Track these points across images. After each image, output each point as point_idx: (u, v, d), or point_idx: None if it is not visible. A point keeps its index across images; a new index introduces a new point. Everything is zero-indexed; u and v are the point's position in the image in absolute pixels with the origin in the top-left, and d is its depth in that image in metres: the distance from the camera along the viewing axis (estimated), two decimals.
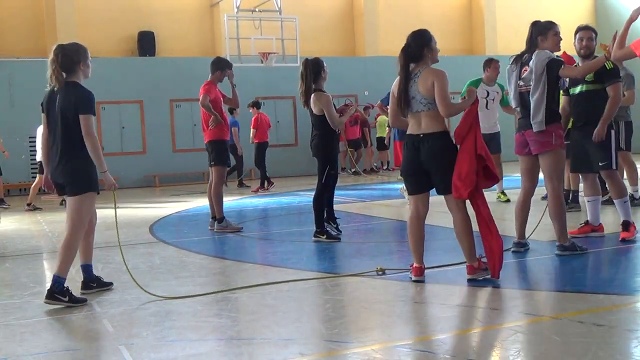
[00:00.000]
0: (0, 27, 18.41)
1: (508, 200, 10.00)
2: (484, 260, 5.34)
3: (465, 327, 4.20)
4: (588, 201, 6.98)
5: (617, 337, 3.92)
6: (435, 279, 5.60)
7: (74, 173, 5.25)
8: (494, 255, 5.22)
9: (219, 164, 8.63)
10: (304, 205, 11.84)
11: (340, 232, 7.86)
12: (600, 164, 6.65)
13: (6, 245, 8.61)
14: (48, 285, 5.94)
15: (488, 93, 10.21)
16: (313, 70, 7.49)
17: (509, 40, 22.40)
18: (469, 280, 5.28)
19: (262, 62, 18.50)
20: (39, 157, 12.69)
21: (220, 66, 8.85)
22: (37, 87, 19.24)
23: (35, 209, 13.12)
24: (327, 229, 7.66)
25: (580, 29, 6.89)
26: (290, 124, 20.51)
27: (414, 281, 5.38)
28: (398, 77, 5.45)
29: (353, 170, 19.14)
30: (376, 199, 12.74)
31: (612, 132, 6.61)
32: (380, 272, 5.75)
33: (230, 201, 13.08)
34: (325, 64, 7.63)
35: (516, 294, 5.08)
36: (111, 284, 5.77)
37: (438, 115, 5.28)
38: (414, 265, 5.46)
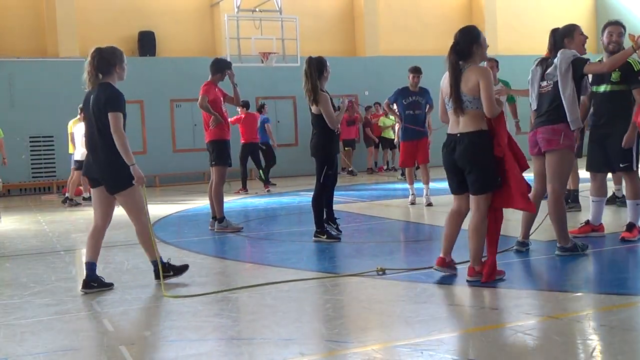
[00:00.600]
0: (1, 27, 18.41)
1: None
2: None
3: (465, 327, 4.20)
4: (593, 201, 6.95)
5: (618, 337, 3.92)
6: (435, 278, 5.60)
7: (111, 172, 5.49)
8: (491, 266, 5.25)
9: (219, 164, 8.63)
10: (304, 205, 11.83)
11: (341, 232, 7.86)
12: (621, 165, 6.63)
13: (6, 245, 8.61)
14: (48, 285, 5.95)
15: None
16: (317, 68, 7.43)
17: (509, 40, 22.43)
18: (468, 281, 5.28)
19: (262, 62, 18.50)
20: (79, 156, 13.21)
21: (220, 67, 8.85)
22: (37, 87, 19.41)
23: (76, 204, 13.46)
24: (327, 229, 7.64)
25: (609, 24, 6.74)
26: (290, 124, 20.51)
27: (434, 269, 5.49)
28: (446, 74, 5.44)
29: (350, 169, 19.11)
30: (376, 199, 12.74)
31: (637, 133, 6.60)
32: (380, 272, 5.74)
33: (231, 201, 13.07)
34: (328, 64, 7.58)
35: (516, 293, 5.08)
36: (112, 285, 5.76)
37: (478, 114, 5.23)
38: (440, 256, 5.53)
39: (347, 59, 21.29)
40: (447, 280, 5.52)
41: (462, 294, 5.12)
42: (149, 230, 5.70)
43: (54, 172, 17.98)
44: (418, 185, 11.19)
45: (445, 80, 5.45)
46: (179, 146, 19.38)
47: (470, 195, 5.35)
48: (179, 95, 19.21)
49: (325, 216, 7.74)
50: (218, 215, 8.66)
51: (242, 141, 14.97)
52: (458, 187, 5.46)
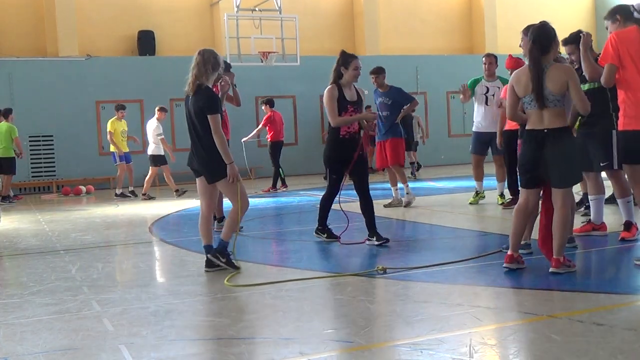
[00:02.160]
0: (1, 26, 18.40)
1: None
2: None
3: (465, 327, 4.20)
4: (591, 200, 6.97)
5: (618, 337, 3.92)
6: (435, 278, 5.60)
7: (208, 165, 6.01)
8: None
9: None
10: (304, 205, 11.84)
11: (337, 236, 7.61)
12: (601, 163, 6.64)
13: (6, 245, 8.61)
14: (48, 284, 5.95)
15: (488, 89, 10.02)
16: (341, 62, 7.18)
17: (509, 38, 22.39)
18: (552, 273, 5.33)
19: (262, 62, 18.50)
20: (150, 150, 14.61)
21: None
22: (37, 87, 19.40)
23: (150, 198, 14.16)
24: (330, 227, 7.58)
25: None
26: (290, 123, 20.49)
27: (505, 267, 5.53)
28: (519, 72, 5.53)
29: None
30: (376, 199, 12.73)
31: (613, 131, 6.56)
32: (381, 271, 5.75)
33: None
34: (357, 62, 7.16)
35: (516, 293, 5.08)
36: (238, 268, 6.13)
37: (562, 111, 5.39)
38: (508, 253, 5.60)
39: None
40: (446, 280, 5.53)
41: (462, 293, 5.12)
42: (238, 216, 6.11)
43: (54, 171, 17.98)
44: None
45: (520, 77, 5.50)
46: (178, 145, 19.34)
47: (556, 189, 5.45)
48: (179, 95, 18.99)
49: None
50: (218, 215, 8.66)
51: (269, 140, 15.00)
52: (531, 182, 5.58)
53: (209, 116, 5.90)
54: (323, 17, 21.62)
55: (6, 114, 14.99)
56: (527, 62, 5.69)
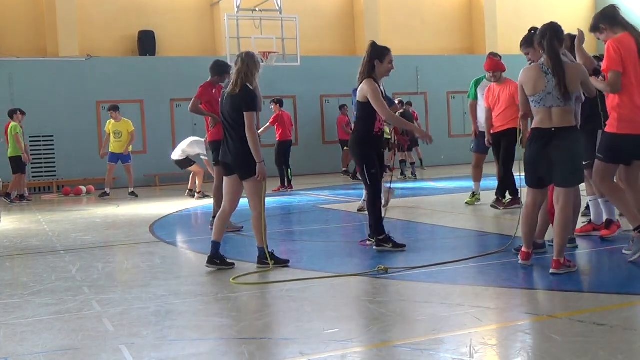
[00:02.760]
0: (1, 26, 18.41)
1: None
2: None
3: (465, 327, 4.20)
4: (590, 200, 6.98)
5: (618, 337, 3.92)
6: (435, 278, 5.60)
7: (242, 161, 6.14)
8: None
9: (218, 164, 8.63)
10: (304, 205, 11.84)
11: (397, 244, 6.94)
12: (583, 162, 6.64)
13: (6, 245, 8.62)
14: (48, 284, 5.96)
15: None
16: (375, 54, 6.90)
17: (509, 39, 22.40)
18: (552, 274, 5.32)
19: (262, 62, 18.46)
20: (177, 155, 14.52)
21: (219, 71, 8.82)
22: (37, 87, 19.40)
23: (205, 196, 13.61)
24: (391, 236, 6.84)
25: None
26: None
27: (521, 264, 5.58)
28: (527, 70, 5.53)
29: (344, 169, 19.10)
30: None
31: (599, 131, 6.52)
32: (382, 271, 5.74)
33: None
34: (391, 55, 6.91)
35: (516, 293, 5.08)
36: (233, 264, 6.33)
37: (570, 111, 5.38)
38: (522, 250, 5.64)
39: (347, 58, 21.27)
40: (447, 280, 5.53)
41: (462, 293, 5.12)
42: (263, 220, 6.21)
43: (54, 171, 17.98)
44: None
45: (529, 76, 5.49)
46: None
47: (559, 189, 5.45)
48: (179, 95, 19.19)
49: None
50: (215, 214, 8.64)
51: (278, 139, 15.01)
52: (539, 181, 5.57)
53: (245, 113, 6.07)
54: (323, 17, 21.62)
55: (11, 113, 15.02)
56: (533, 61, 5.71)
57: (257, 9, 18.88)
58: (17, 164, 14.83)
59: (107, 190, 15.15)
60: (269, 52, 18.39)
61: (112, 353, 3.98)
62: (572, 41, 6.24)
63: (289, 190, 14.51)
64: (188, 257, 7.22)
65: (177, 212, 11.62)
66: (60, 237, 9.03)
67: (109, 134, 15.07)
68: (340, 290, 5.43)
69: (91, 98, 18.25)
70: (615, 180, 6.29)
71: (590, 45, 6.34)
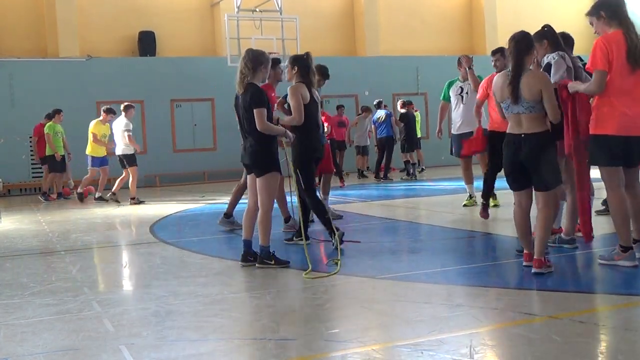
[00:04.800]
0: (1, 27, 18.41)
1: (495, 206, 9.53)
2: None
3: (465, 327, 4.20)
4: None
5: (618, 337, 3.92)
6: (435, 278, 5.60)
7: (256, 158, 6.25)
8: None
9: None
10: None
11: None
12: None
13: (6, 245, 8.62)
14: (48, 285, 5.96)
15: (462, 89, 10.00)
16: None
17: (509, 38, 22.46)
18: (535, 274, 5.33)
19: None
20: (120, 151, 13.49)
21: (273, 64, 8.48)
22: (37, 87, 19.39)
23: (139, 202, 13.44)
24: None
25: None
26: None
27: (525, 266, 5.50)
28: (497, 77, 5.56)
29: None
30: (376, 199, 12.75)
31: None
32: (335, 262, 6.02)
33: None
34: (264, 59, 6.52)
35: (516, 293, 5.08)
36: (288, 262, 6.27)
37: (539, 117, 5.38)
38: (525, 252, 5.58)
39: (347, 59, 21.29)
40: (446, 280, 5.53)
41: (462, 293, 5.12)
42: (268, 219, 6.25)
43: None
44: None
45: (497, 82, 5.54)
46: (179, 146, 19.39)
47: (539, 192, 5.47)
48: (179, 95, 19.22)
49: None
50: (284, 215, 8.55)
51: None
52: (518, 184, 5.56)
53: (254, 110, 6.11)
54: (323, 18, 21.63)
55: (51, 115, 15.20)
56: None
57: (257, 10, 18.89)
58: (50, 163, 14.97)
59: (100, 194, 14.64)
60: (270, 53, 18.37)
61: (112, 353, 3.98)
62: (570, 41, 6.23)
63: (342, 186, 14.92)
64: (188, 257, 7.22)
65: (177, 212, 11.62)
66: (61, 238, 9.03)
67: (99, 136, 14.15)
68: (339, 290, 5.43)
69: (91, 98, 18.26)
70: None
71: (590, 43, 6.23)
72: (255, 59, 6.23)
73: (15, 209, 13.54)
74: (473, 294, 5.09)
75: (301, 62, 7.21)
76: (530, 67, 5.51)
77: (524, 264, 5.60)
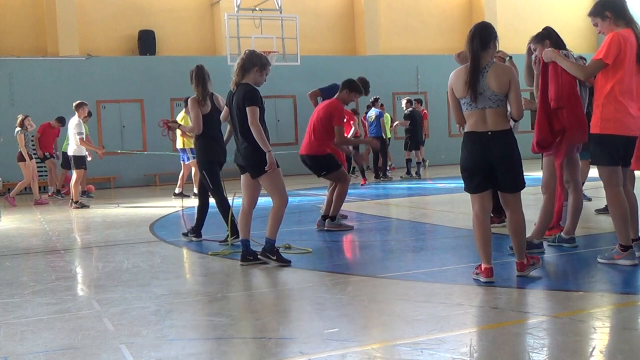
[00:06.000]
0: (1, 26, 18.41)
1: None
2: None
3: (465, 326, 4.20)
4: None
5: (618, 337, 3.92)
6: (435, 277, 5.60)
7: (251, 159, 6.21)
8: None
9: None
10: (304, 205, 11.84)
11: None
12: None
13: (6, 244, 8.61)
14: (48, 284, 5.96)
15: None
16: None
17: (510, 39, 22.43)
18: (518, 277, 5.27)
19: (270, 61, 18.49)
20: (70, 151, 13.20)
21: (357, 88, 8.78)
22: (37, 86, 19.39)
23: (82, 206, 13.04)
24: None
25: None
26: (290, 123, 20.51)
27: (485, 283, 5.14)
28: (457, 72, 5.25)
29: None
30: (375, 199, 12.75)
31: None
32: (286, 248, 6.31)
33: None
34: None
35: (516, 293, 5.08)
36: (289, 262, 6.25)
37: (504, 112, 5.14)
38: (484, 267, 5.21)
39: (347, 58, 21.30)
40: (446, 280, 5.53)
41: (462, 293, 5.12)
42: (281, 214, 6.24)
43: None
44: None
45: (458, 77, 5.22)
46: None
47: (509, 195, 5.25)
48: (179, 94, 19.15)
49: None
50: (332, 214, 8.46)
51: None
52: (484, 185, 5.24)
53: (247, 108, 6.09)
54: (323, 17, 21.63)
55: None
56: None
57: (257, 9, 18.90)
58: (63, 160, 14.76)
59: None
60: (269, 52, 18.40)
61: (112, 352, 3.98)
62: (556, 39, 6.20)
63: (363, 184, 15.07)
64: (188, 256, 7.22)
65: (177, 211, 11.62)
66: (61, 237, 9.03)
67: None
68: (340, 289, 5.43)
69: (91, 98, 18.24)
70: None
71: (590, 43, 6.19)
72: (249, 60, 6.22)
73: (15, 208, 13.54)
74: (473, 293, 5.08)
75: (193, 75, 7.60)
76: (494, 61, 5.26)
77: (483, 280, 5.18)
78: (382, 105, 17.48)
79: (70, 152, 13.11)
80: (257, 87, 6.25)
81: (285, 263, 6.21)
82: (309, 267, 6.27)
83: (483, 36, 5.21)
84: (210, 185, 7.62)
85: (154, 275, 6.23)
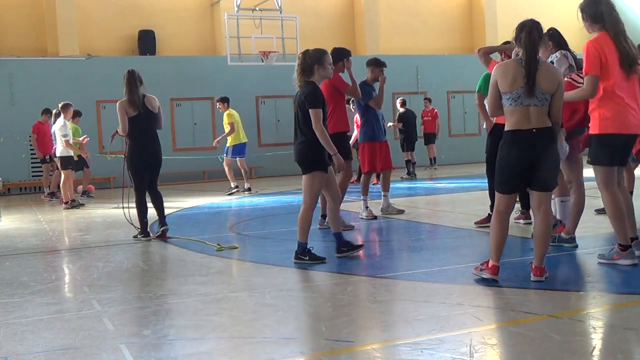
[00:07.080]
0: (1, 26, 18.41)
1: None
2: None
3: (465, 326, 4.20)
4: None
5: (618, 337, 3.92)
6: (435, 278, 5.60)
7: (302, 155, 6.32)
8: None
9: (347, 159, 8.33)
10: None
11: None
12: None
13: (6, 244, 8.61)
14: (48, 284, 5.96)
15: None
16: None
17: (510, 38, 22.47)
18: (534, 282, 5.17)
19: (262, 61, 18.51)
20: (59, 152, 13.06)
21: (340, 55, 8.83)
22: (37, 86, 19.41)
23: (75, 206, 12.96)
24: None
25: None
26: (290, 123, 20.36)
27: (487, 279, 5.19)
28: (505, 65, 5.17)
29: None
30: (375, 199, 12.73)
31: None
32: (220, 249, 6.52)
33: (227, 200, 13.08)
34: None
35: (516, 292, 5.08)
36: (361, 246, 6.49)
37: (546, 112, 5.08)
38: (491, 264, 5.21)
39: None
40: (447, 280, 5.53)
41: (462, 292, 5.12)
42: (309, 216, 6.28)
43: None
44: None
45: (507, 72, 5.10)
46: (179, 145, 19.38)
47: (540, 194, 5.16)
48: (179, 94, 19.21)
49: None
50: (322, 212, 8.38)
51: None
52: (516, 187, 5.24)
53: (310, 111, 6.17)
54: (323, 17, 21.63)
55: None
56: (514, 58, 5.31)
57: (257, 9, 18.89)
58: (75, 162, 14.26)
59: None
60: (269, 52, 18.41)
61: (112, 352, 3.98)
62: (558, 39, 6.21)
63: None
64: (188, 256, 7.21)
65: (176, 212, 11.62)
66: (61, 236, 9.03)
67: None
68: (340, 289, 5.43)
69: (91, 98, 18.26)
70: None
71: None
72: (304, 61, 6.41)
73: (15, 208, 13.54)
74: (473, 293, 5.08)
75: (124, 79, 8.48)
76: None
77: (485, 276, 5.20)
78: None
79: (57, 154, 13.00)
80: (318, 86, 6.34)
81: (320, 260, 6.25)
82: (309, 267, 6.27)
83: (540, 32, 5.19)
84: (132, 184, 8.19)
85: (154, 275, 6.23)
